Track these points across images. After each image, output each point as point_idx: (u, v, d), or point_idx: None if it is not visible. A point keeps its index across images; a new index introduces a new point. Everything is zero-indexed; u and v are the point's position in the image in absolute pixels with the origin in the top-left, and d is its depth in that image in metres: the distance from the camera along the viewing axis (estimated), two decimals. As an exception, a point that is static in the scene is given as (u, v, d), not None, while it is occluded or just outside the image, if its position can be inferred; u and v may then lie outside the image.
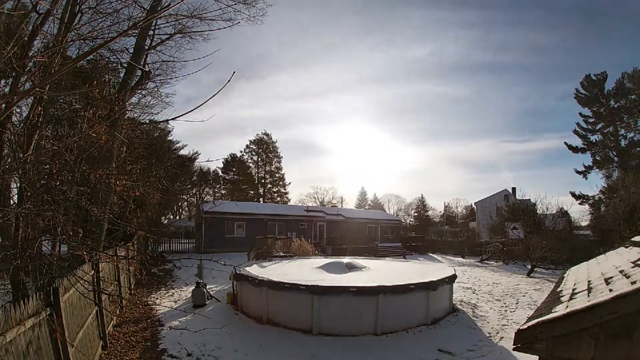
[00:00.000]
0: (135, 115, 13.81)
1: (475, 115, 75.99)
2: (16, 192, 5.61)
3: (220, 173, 50.81)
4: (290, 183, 54.27)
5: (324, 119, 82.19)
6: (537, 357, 2.48)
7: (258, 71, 63.32)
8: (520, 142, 73.72)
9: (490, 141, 74.78)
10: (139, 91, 12.21)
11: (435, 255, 29.26)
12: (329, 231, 30.84)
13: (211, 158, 77.25)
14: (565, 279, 4.71)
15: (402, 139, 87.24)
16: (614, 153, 35.49)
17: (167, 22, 11.20)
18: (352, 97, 75.76)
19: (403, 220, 56.02)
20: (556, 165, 72.69)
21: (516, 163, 71.92)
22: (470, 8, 51.95)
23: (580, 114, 37.71)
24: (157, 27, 11.49)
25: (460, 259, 26.80)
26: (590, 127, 37.24)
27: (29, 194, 4.57)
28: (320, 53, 61.58)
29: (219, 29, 15.62)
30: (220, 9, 10.84)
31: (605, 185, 31.84)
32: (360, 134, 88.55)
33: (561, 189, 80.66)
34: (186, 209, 50.23)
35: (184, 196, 43.64)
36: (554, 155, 71.92)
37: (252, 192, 50.86)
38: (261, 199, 50.00)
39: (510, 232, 24.65)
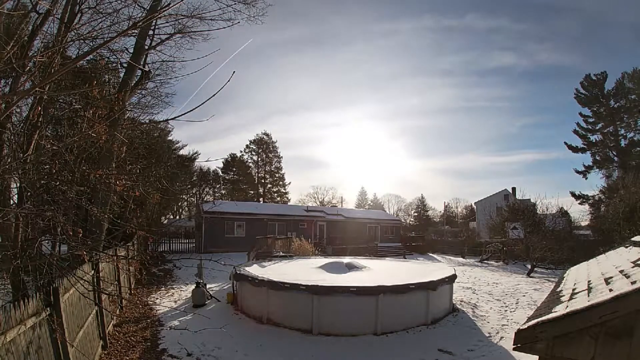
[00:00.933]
0: (135, 115, 13.81)
1: (459, 139, 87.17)
2: (16, 192, 5.61)
3: (220, 173, 50.84)
4: (290, 183, 54.38)
5: (326, 131, 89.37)
6: (537, 357, 2.47)
7: (292, 108, 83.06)
8: (498, 156, 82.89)
9: (475, 155, 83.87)
10: (139, 91, 12.19)
11: (435, 255, 29.26)
12: (329, 231, 30.83)
13: (211, 158, 78.66)
14: (565, 279, 4.71)
15: (400, 140, 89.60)
16: (614, 153, 35.47)
17: (167, 22, 11.20)
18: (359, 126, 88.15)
19: (403, 220, 56.05)
20: (546, 169, 75.74)
21: (500, 172, 78.24)
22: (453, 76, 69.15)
23: (580, 113, 37.73)
24: (157, 27, 11.46)
25: (460, 259, 26.79)
26: (590, 127, 37.23)
27: (29, 194, 4.57)
28: (338, 105, 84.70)
29: (219, 29, 15.58)
30: (220, 9, 10.85)
31: (605, 185, 31.83)
32: (360, 134, 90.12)
33: (561, 189, 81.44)
34: (186, 209, 50.29)
35: (184, 196, 43.72)
36: (535, 164, 76.15)
37: (252, 192, 50.87)
38: (261, 199, 49.99)
39: (510, 232, 24.63)
